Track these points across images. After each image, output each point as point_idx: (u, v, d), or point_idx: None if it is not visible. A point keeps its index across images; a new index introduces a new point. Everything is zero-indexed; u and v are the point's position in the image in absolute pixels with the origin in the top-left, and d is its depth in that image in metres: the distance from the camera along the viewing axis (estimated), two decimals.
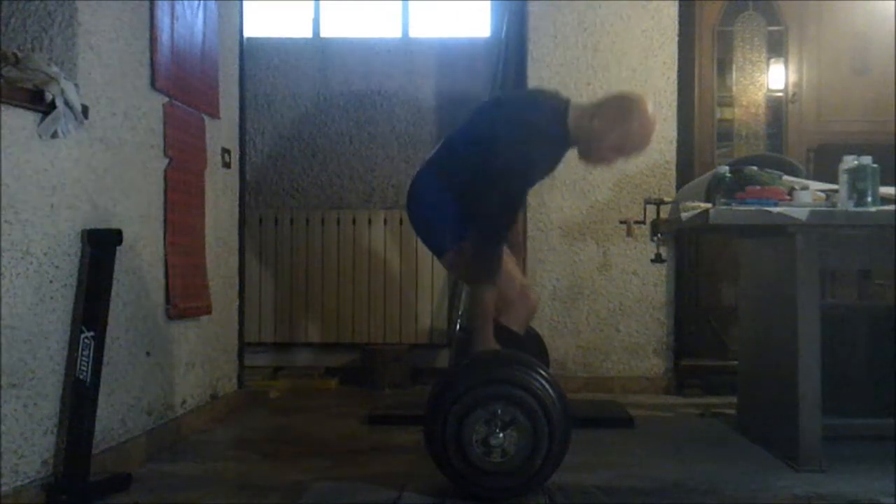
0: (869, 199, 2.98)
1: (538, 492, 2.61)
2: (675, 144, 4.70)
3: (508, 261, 3.01)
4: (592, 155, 2.95)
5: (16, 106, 2.40)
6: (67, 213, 2.63)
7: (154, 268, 3.22)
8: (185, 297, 3.41)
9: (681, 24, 4.71)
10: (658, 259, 3.86)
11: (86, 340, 2.57)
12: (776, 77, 4.82)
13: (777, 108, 4.82)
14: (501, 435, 2.55)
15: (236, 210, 4.18)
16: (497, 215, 2.84)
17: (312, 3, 5.34)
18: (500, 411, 2.55)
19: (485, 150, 2.86)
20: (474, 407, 2.56)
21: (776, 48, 4.81)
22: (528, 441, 2.56)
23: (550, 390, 2.62)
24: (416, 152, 5.16)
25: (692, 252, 4.71)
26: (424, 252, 4.96)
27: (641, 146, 2.95)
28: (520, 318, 3.05)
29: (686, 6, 4.73)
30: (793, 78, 4.79)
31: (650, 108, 2.90)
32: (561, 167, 4.61)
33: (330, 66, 5.21)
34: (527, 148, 2.83)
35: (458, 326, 4.44)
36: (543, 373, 2.69)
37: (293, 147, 5.21)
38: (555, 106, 2.96)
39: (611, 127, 2.86)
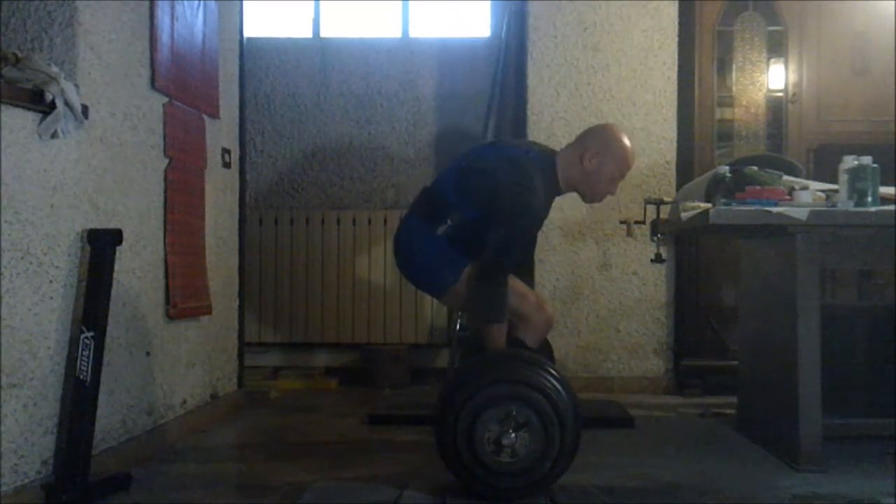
0: (869, 199, 2.98)
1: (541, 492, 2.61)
2: (675, 144, 4.70)
3: (515, 280, 3.00)
4: (596, 193, 3.05)
5: (16, 106, 2.40)
6: (67, 213, 2.63)
7: (154, 268, 3.22)
8: (185, 297, 3.41)
9: (681, 24, 4.71)
10: (658, 259, 3.86)
11: (86, 340, 2.57)
12: (776, 77, 4.82)
13: (777, 108, 4.82)
14: (514, 435, 2.55)
15: (236, 210, 4.18)
16: (505, 256, 2.85)
17: (312, 3, 5.34)
18: (514, 412, 2.56)
19: (490, 199, 2.86)
20: (489, 406, 2.57)
21: (776, 48, 4.81)
22: (540, 443, 2.56)
23: (564, 393, 2.63)
24: (416, 152, 5.17)
25: (692, 252, 4.71)
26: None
27: (631, 164, 3.05)
28: (536, 334, 3.04)
29: (686, 6, 4.73)
30: (793, 78, 4.79)
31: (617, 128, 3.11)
32: None
33: (330, 66, 5.21)
34: (532, 199, 2.87)
35: (457, 325, 4.43)
36: (557, 375, 2.70)
37: (293, 147, 5.22)
38: (547, 160, 3.01)
39: (601, 160, 2.97)
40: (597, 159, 2.97)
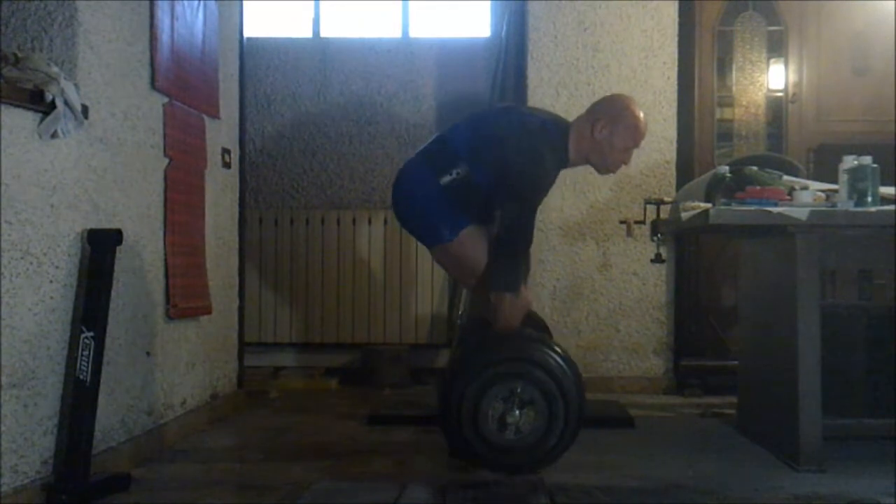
0: (869, 199, 2.98)
1: (540, 492, 2.60)
2: (675, 144, 4.70)
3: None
4: (609, 164, 3.05)
5: (16, 106, 2.40)
6: (67, 213, 2.63)
7: (154, 268, 3.22)
8: (185, 297, 3.41)
9: (681, 24, 4.71)
10: (658, 259, 3.86)
11: (86, 340, 2.57)
12: (776, 77, 4.82)
13: (777, 108, 4.82)
14: (518, 413, 2.56)
15: (236, 210, 4.18)
16: (518, 228, 2.87)
17: (312, 3, 5.35)
18: (518, 389, 2.57)
19: (502, 170, 2.88)
20: (493, 383, 2.58)
21: (776, 48, 4.81)
22: (544, 420, 2.57)
23: (568, 371, 2.63)
24: (415, 152, 5.16)
25: (692, 252, 4.71)
26: (425, 252, 4.96)
27: (644, 133, 3.05)
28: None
29: (686, 6, 4.73)
30: (793, 78, 4.79)
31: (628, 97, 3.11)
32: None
33: (330, 66, 5.21)
34: (541, 172, 2.90)
35: (459, 323, 4.44)
36: (562, 353, 2.70)
37: (293, 147, 5.22)
38: (560, 131, 3.02)
39: (612, 130, 2.98)
40: (608, 129, 2.97)
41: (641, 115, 3.02)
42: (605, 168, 3.07)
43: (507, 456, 2.63)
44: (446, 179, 2.93)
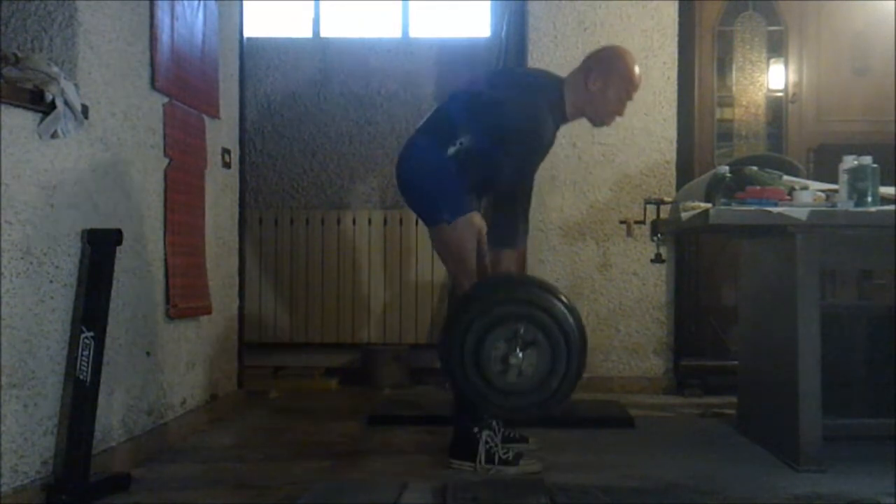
0: (869, 199, 2.98)
1: (540, 492, 2.60)
2: (675, 144, 4.70)
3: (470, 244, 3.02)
4: (604, 115, 3.07)
5: (16, 106, 2.40)
6: (67, 213, 2.63)
7: (154, 268, 3.22)
8: (185, 297, 3.41)
9: (681, 24, 4.71)
10: (658, 259, 3.86)
11: (86, 340, 2.57)
12: (776, 77, 4.82)
13: (777, 108, 4.82)
14: (521, 354, 2.56)
15: (236, 210, 4.18)
16: (517, 185, 2.93)
17: (312, 3, 5.34)
18: (522, 331, 2.57)
19: (501, 131, 2.91)
20: (497, 324, 2.58)
21: (776, 48, 4.81)
22: (546, 363, 2.58)
23: (571, 319, 2.64)
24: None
25: (692, 252, 4.71)
26: (424, 252, 4.98)
27: (639, 83, 3.06)
28: None
29: (686, 6, 4.73)
30: (793, 78, 4.78)
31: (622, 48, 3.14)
32: (561, 167, 4.67)
33: (330, 66, 5.21)
34: (540, 130, 2.92)
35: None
36: (566, 301, 2.71)
37: (293, 147, 5.21)
38: (555, 88, 3.05)
39: (606, 81, 3.00)
40: (601, 81, 2.99)
41: (635, 65, 3.02)
42: (599, 120, 3.09)
43: (509, 398, 2.63)
44: (452, 150, 2.94)
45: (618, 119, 3.10)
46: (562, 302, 2.70)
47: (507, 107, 2.93)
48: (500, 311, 2.64)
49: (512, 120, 2.89)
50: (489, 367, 2.59)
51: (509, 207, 2.92)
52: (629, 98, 3.05)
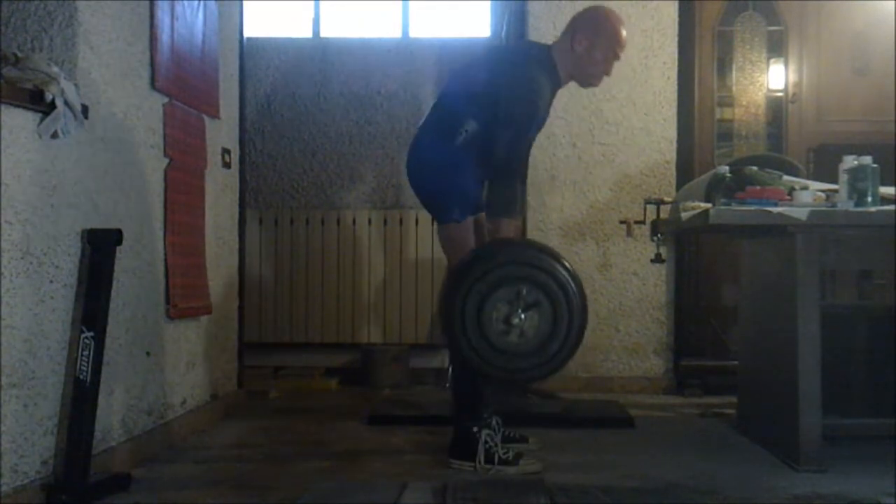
0: (869, 199, 2.98)
1: (540, 492, 2.60)
2: (675, 144, 4.70)
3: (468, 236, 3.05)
4: (591, 76, 3.10)
5: (16, 106, 2.40)
6: (67, 213, 2.63)
7: (154, 268, 3.22)
8: (185, 297, 3.41)
9: (681, 24, 4.71)
10: (658, 259, 3.86)
11: (86, 340, 2.57)
12: (776, 77, 4.82)
13: (777, 108, 4.81)
14: (523, 315, 2.57)
15: (236, 210, 4.18)
16: (515, 155, 2.93)
17: (312, 3, 5.34)
18: (524, 292, 2.58)
19: (497, 105, 2.92)
20: (500, 284, 2.59)
21: (776, 48, 4.81)
22: (548, 325, 2.58)
23: (573, 283, 2.67)
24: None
25: (692, 252, 4.71)
26: (425, 251, 4.98)
27: (624, 43, 3.09)
28: None
29: (686, 6, 4.73)
30: (793, 78, 4.78)
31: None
32: (561, 167, 4.68)
33: (330, 66, 5.20)
34: (535, 98, 2.94)
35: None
36: (568, 267, 2.73)
37: (293, 147, 5.21)
38: (544, 54, 3.07)
39: (593, 40, 3.03)
40: (587, 41, 3.02)
41: (621, 24, 3.05)
42: (587, 80, 3.12)
43: (509, 360, 2.64)
44: (459, 140, 2.97)
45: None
46: (564, 267, 2.72)
47: (503, 83, 2.94)
48: (503, 272, 2.65)
49: (511, 94, 2.91)
50: (490, 326, 2.60)
51: (508, 176, 2.93)
52: (616, 58, 3.08)
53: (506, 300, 2.60)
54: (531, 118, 2.96)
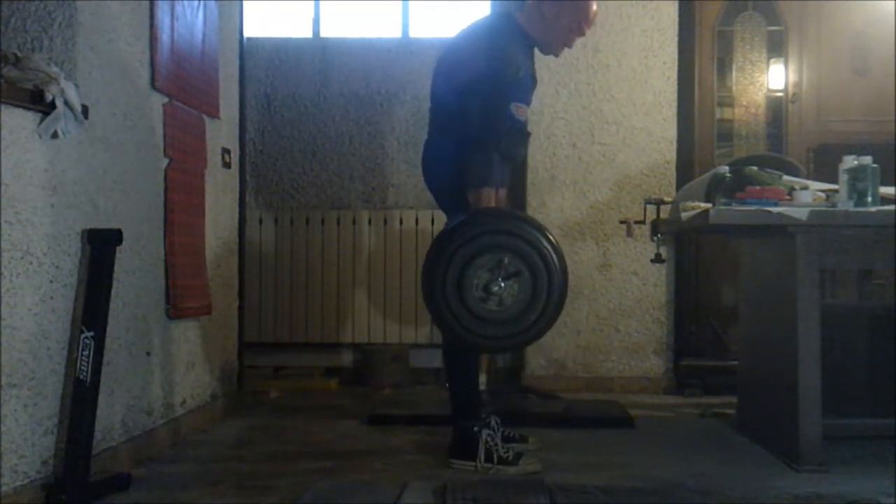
0: (869, 199, 2.98)
1: (540, 492, 2.60)
2: (675, 144, 4.70)
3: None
4: (552, 44, 3.11)
5: (16, 106, 2.40)
6: (67, 213, 2.63)
7: (154, 268, 3.22)
8: (185, 297, 3.41)
9: (681, 24, 4.71)
10: (658, 259, 3.86)
11: (86, 340, 2.57)
12: (776, 77, 4.82)
13: (777, 108, 4.82)
14: (503, 283, 2.59)
15: (236, 210, 4.18)
16: (491, 125, 2.92)
17: (312, 3, 5.34)
18: (506, 261, 2.60)
19: (470, 75, 2.97)
20: (482, 252, 2.61)
21: (776, 48, 4.81)
22: (527, 294, 2.60)
23: (555, 256, 2.70)
24: (416, 152, 5.14)
25: (692, 252, 4.71)
26: (425, 252, 4.96)
27: (593, 19, 3.11)
28: None
29: (686, 6, 4.73)
30: (793, 78, 4.78)
31: None
32: (561, 167, 4.68)
33: (330, 66, 5.20)
34: (505, 60, 2.95)
35: None
36: (552, 240, 2.75)
37: (293, 147, 5.21)
38: (504, 20, 3.12)
39: (559, 11, 3.04)
40: (556, 8, 3.04)
41: (594, 2, 3.06)
42: (547, 47, 3.13)
43: (488, 327, 2.66)
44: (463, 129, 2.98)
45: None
46: (548, 239, 2.74)
47: (465, 60, 3.01)
48: (486, 240, 2.67)
49: (474, 65, 2.95)
50: (470, 292, 2.62)
51: (485, 146, 2.91)
52: (580, 33, 3.10)
53: (487, 268, 2.62)
54: (502, 83, 2.94)
